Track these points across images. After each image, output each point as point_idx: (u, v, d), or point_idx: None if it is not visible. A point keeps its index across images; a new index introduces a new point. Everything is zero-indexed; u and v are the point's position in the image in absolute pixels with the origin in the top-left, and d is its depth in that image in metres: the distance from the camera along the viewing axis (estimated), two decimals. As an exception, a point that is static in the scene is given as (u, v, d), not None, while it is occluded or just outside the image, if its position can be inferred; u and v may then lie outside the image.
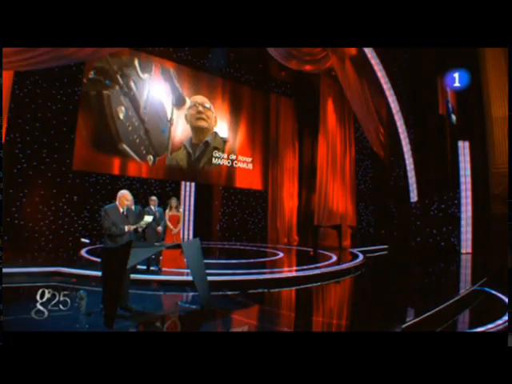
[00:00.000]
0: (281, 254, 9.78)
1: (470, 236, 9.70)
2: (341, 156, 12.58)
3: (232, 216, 13.44)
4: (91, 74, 10.26)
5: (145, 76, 11.29)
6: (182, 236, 9.91)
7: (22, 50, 6.42)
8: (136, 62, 11.13)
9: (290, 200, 14.27)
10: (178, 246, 4.90)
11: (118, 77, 10.72)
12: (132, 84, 10.97)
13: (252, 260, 8.61)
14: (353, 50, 11.08)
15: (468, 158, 9.82)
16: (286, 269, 8.18)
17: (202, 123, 12.50)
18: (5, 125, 8.30)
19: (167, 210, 6.91)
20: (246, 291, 5.43)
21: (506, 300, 4.99)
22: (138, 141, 10.98)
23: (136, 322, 3.94)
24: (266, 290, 5.69)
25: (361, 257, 9.02)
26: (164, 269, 6.46)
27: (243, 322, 4.21)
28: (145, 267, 6.39)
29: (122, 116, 10.68)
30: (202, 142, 12.48)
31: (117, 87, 10.68)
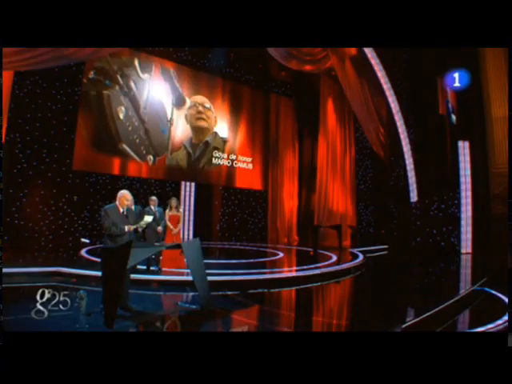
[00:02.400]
0: (281, 254, 9.78)
1: (470, 236, 9.70)
2: (341, 156, 12.58)
3: (232, 216, 13.44)
4: (91, 74, 10.25)
5: (145, 76, 11.29)
6: (182, 236, 9.91)
7: (22, 49, 6.42)
8: (136, 62, 11.13)
9: (290, 200, 14.27)
10: (178, 246, 4.90)
11: (118, 77, 10.72)
12: (132, 84, 10.97)
13: (252, 260, 8.61)
14: (353, 50, 11.08)
15: (468, 158, 9.82)
16: (286, 269, 8.18)
17: (202, 123, 12.50)
18: (5, 125, 8.29)
19: (167, 210, 6.91)
20: (246, 291, 5.43)
21: (506, 300, 4.99)
22: (138, 141, 10.98)
23: (136, 322, 3.94)
24: (266, 290, 5.70)
25: (361, 257, 9.02)
26: (164, 269, 6.46)
27: (243, 321, 4.21)
28: (145, 267, 6.38)
29: (122, 116, 10.68)
30: (202, 142, 12.48)
31: (117, 87, 10.68)
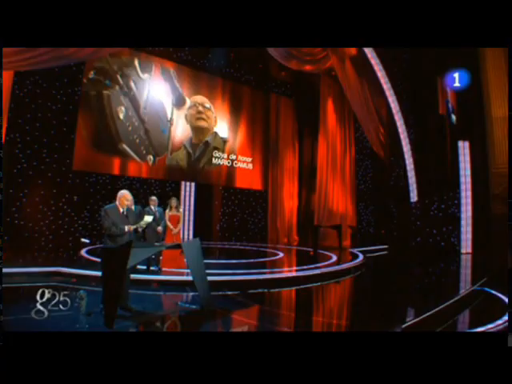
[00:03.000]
0: (281, 254, 9.78)
1: (470, 236, 9.70)
2: (341, 156, 12.58)
3: (232, 216, 13.44)
4: (91, 74, 10.25)
5: (145, 76, 11.29)
6: (182, 236, 9.91)
7: (22, 49, 6.42)
8: (136, 62, 11.13)
9: (290, 200, 14.27)
10: (178, 246, 4.90)
11: (118, 77, 10.72)
12: (132, 84, 10.97)
13: (252, 260, 8.61)
14: (353, 50, 11.08)
15: (468, 158, 9.82)
16: (286, 269, 8.18)
17: (202, 123, 12.50)
18: (5, 125, 8.29)
19: (167, 210, 6.91)
20: (246, 291, 5.43)
21: (506, 300, 4.99)
22: (138, 141, 10.98)
23: (136, 322, 3.94)
24: (266, 290, 5.70)
25: (361, 257, 9.02)
26: (164, 269, 6.46)
27: (243, 321, 4.21)
28: (145, 267, 6.39)
29: (122, 116, 10.68)
30: (202, 142, 12.48)
31: (117, 87, 10.68)
